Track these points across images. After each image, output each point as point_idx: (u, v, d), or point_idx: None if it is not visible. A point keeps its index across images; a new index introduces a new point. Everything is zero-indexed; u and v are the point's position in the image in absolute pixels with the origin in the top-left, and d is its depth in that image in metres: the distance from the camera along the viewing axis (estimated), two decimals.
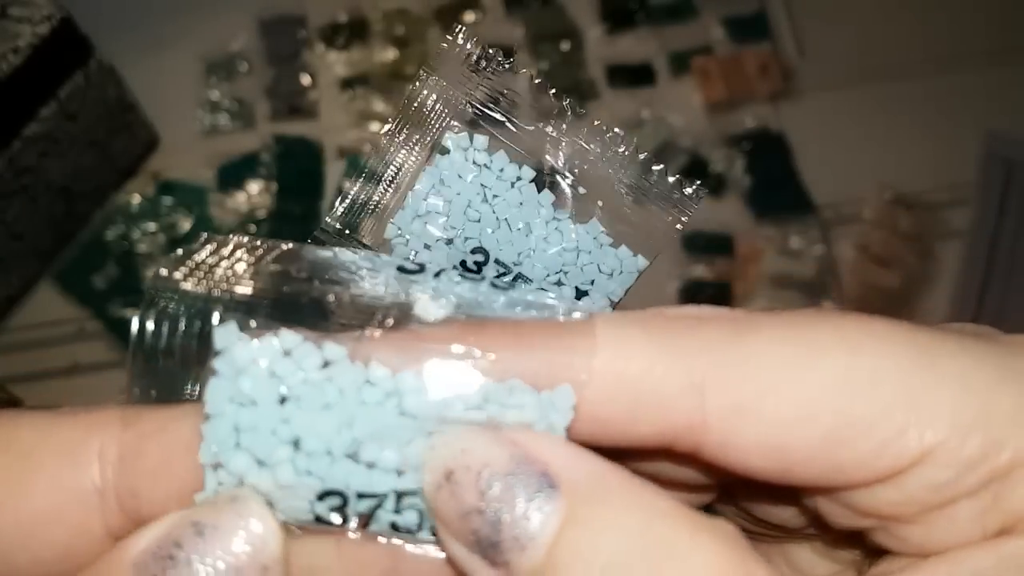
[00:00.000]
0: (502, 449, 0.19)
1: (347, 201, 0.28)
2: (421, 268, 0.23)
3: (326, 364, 0.21)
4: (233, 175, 0.80)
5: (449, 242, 0.27)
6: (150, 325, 0.22)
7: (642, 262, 0.28)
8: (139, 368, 0.23)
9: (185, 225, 0.77)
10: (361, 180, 0.27)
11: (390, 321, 0.22)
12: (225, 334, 0.21)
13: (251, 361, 0.21)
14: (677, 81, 0.85)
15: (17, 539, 0.22)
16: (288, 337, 0.21)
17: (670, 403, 0.19)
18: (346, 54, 0.84)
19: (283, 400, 0.21)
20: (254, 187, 0.79)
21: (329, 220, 0.28)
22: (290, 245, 0.24)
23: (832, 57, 0.85)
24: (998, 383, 0.19)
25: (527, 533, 0.18)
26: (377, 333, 0.21)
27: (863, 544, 0.24)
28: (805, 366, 0.19)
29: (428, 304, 0.22)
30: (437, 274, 0.23)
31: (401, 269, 0.23)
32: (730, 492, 0.25)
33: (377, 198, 0.28)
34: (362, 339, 0.21)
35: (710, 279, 0.80)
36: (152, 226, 0.76)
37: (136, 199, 0.77)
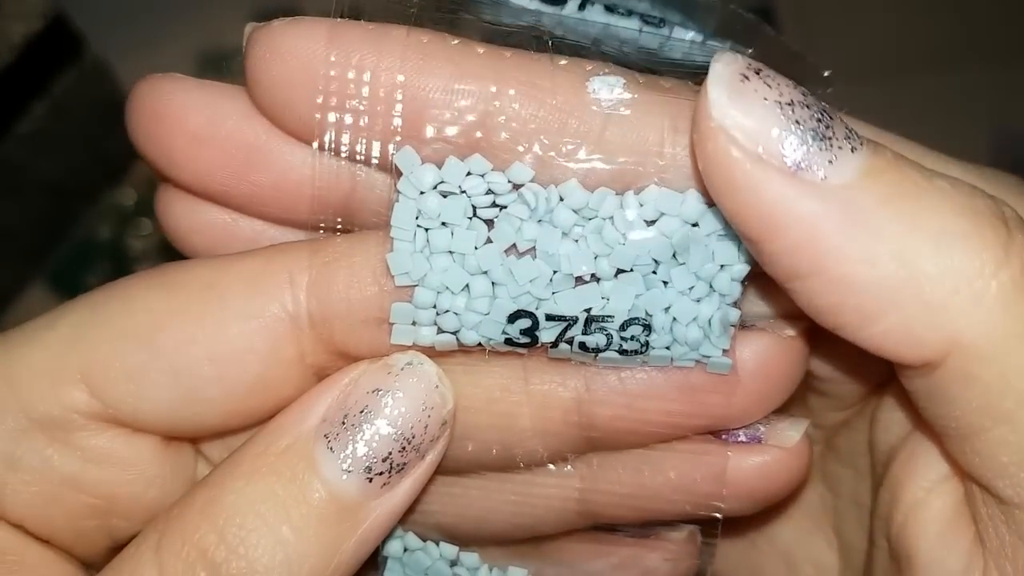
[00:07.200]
0: None
1: None
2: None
3: (515, 187, 0.21)
4: None
5: None
6: None
7: None
8: None
9: None
10: None
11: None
12: (406, 157, 0.21)
13: (437, 181, 0.21)
14: None
15: (210, 374, 0.21)
16: (473, 159, 0.21)
17: None
18: None
19: (472, 218, 0.21)
20: None
21: None
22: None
23: (838, 54, 0.84)
24: None
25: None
26: (562, 152, 0.21)
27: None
28: None
29: (602, 83, 0.21)
30: (581, 5, 0.24)
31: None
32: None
33: None
34: (548, 161, 0.21)
35: None
36: (146, 225, 0.75)
37: (130, 197, 0.76)
